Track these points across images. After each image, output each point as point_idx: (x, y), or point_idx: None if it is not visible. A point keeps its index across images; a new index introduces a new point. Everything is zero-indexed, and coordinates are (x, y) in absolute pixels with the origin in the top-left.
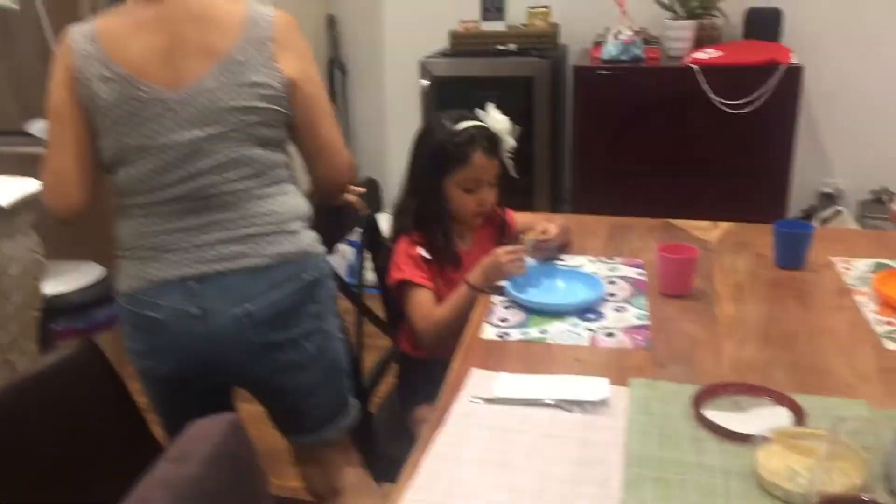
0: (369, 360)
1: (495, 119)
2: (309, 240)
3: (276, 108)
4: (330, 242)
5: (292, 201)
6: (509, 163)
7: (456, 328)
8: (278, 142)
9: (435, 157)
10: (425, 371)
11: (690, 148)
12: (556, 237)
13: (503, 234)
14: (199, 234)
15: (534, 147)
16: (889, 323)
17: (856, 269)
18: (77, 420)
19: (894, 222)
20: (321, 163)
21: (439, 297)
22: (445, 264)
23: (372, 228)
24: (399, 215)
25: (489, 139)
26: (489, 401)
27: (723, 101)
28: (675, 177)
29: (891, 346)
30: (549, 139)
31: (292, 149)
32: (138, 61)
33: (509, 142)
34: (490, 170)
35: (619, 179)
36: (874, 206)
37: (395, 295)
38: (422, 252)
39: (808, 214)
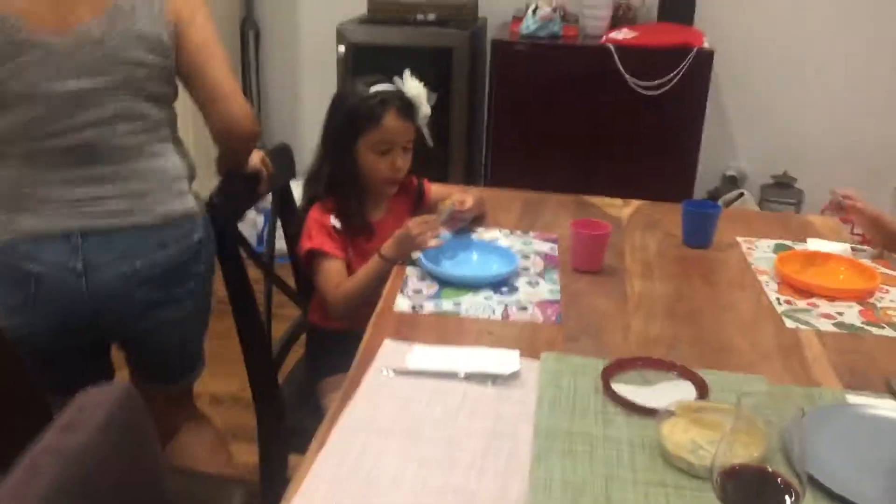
0: (278, 330)
1: (411, 85)
2: (194, 201)
3: (164, 59)
4: (240, 209)
5: (180, 161)
6: (426, 130)
7: (367, 299)
8: (167, 98)
9: (347, 118)
10: (335, 342)
11: (604, 126)
12: (472, 208)
13: (419, 204)
14: (84, 188)
15: (450, 119)
16: (788, 302)
17: (759, 250)
18: None
19: (833, 213)
20: (215, 111)
21: (351, 268)
22: (358, 234)
23: (284, 196)
24: (311, 181)
25: (403, 101)
26: (401, 373)
27: (636, 81)
28: (589, 154)
29: (790, 324)
30: (466, 112)
31: (181, 108)
32: (23, 4)
33: (424, 108)
34: (403, 133)
35: (534, 154)
36: (775, 190)
37: (304, 264)
38: (334, 221)
39: (713, 196)
